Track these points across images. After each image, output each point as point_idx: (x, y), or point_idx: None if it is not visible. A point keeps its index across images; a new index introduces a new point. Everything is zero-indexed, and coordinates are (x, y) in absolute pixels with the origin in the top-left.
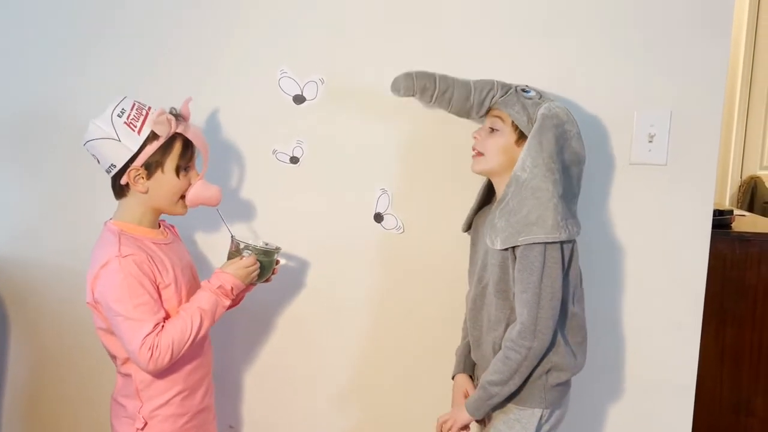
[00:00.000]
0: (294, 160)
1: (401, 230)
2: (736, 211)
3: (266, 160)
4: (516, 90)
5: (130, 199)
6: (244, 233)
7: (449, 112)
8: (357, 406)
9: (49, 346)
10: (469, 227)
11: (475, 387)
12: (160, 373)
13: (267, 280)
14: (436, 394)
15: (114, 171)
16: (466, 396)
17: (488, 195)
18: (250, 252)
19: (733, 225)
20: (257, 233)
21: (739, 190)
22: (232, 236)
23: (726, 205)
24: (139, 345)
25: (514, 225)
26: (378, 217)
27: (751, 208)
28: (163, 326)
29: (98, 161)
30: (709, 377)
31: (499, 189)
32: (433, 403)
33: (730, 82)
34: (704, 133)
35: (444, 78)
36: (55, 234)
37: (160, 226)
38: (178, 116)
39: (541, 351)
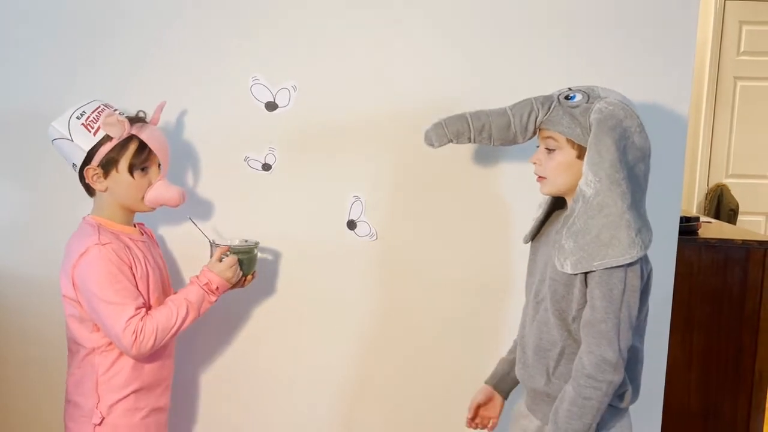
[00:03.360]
0: (266, 167)
1: (374, 237)
2: (703, 218)
3: (238, 167)
4: (559, 101)
5: (98, 197)
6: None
7: (494, 146)
8: (327, 414)
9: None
10: (532, 238)
11: (492, 398)
12: (121, 367)
13: (244, 283)
14: (411, 402)
15: (76, 170)
16: (480, 404)
17: (557, 202)
18: (229, 254)
19: (699, 232)
20: (224, 237)
21: (706, 198)
22: (210, 242)
23: (693, 212)
24: (123, 328)
25: (584, 248)
26: (351, 225)
27: (717, 216)
28: (147, 311)
29: (66, 160)
30: (677, 383)
31: (569, 203)
32: (411, 411)
33: (696, 91)
34: (671, 141)
35: (476, 115)
36: (14, 241)
37: (135, 227)
38: (137, 119)
39: (619, 383)
